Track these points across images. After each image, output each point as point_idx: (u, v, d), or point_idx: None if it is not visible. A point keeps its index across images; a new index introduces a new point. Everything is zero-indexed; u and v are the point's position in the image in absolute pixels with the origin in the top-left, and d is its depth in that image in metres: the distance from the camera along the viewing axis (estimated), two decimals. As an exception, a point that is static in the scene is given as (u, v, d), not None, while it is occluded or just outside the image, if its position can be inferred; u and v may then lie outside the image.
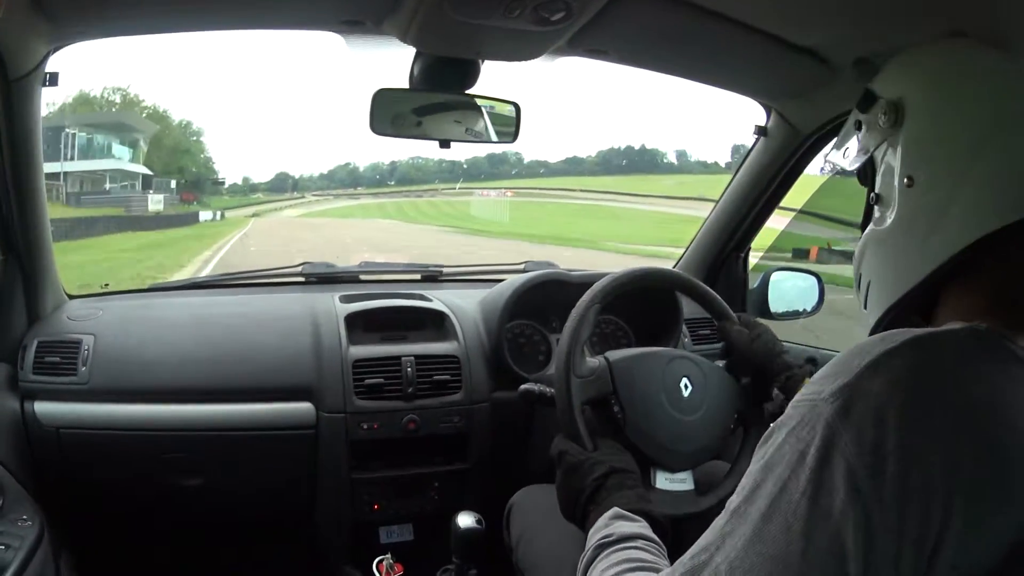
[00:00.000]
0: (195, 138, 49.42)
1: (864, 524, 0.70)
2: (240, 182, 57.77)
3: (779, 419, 0.81)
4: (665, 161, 57.75)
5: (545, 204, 50.27)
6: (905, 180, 0.95)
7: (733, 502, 0.81)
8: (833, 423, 0.73)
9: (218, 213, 41.34)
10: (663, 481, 1.44)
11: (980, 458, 0.72)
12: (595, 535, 1.13)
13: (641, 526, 1.13)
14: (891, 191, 0.98)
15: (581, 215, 44.16)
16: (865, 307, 1.04)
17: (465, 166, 62.93)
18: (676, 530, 1.22)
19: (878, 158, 1.02)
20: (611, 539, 1.09)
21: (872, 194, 1.02)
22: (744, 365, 1.60)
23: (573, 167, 61.73)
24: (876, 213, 1.01)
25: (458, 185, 59.25)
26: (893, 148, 0.98)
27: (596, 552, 1.09)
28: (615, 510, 1.16)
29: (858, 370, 0.76)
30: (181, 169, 45.29)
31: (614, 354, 1.50)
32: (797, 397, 0.80)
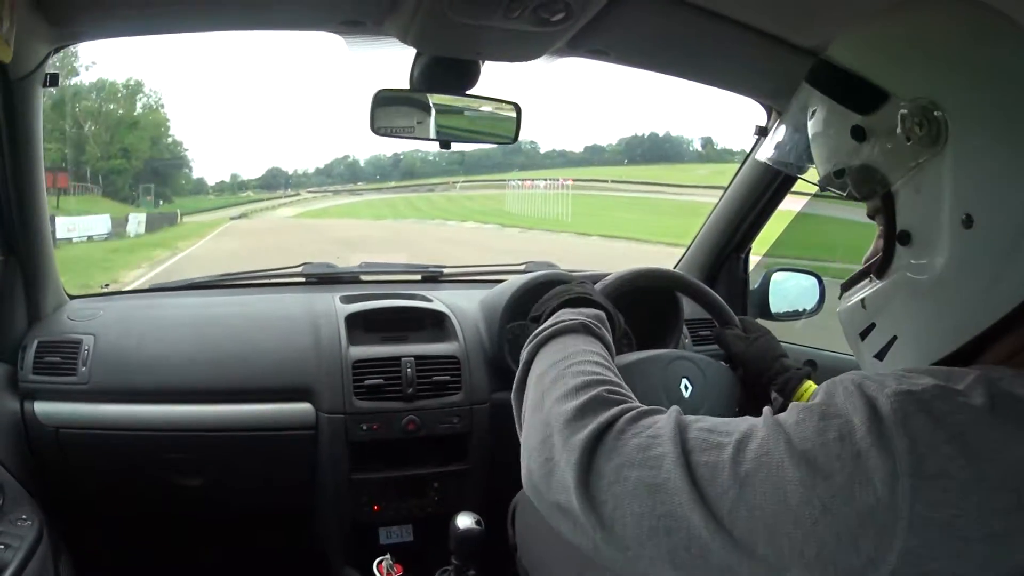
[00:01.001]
0: (150, 108, 37.15)
1: (884, 535, 0.66)
2: (228, 179, 52.12)
3: (826, 384, 0.75)
4: (691, 149, 52.58)
5: (593, 196, 41.40)
6: (963, 218, 0.76)
7: (771, 417, 0.76)
8: (890, 421, 0.67)
9: (177, 216, 32.99)
10: None
11: (1013, 512, 0.67)
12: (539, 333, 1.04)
13: (591, 315, 1.07)
14: (934, 231, 0.79)
15: (637, 208, 36.19)
16: (880, 359, 0.88)
17: (475, 157, 57.28)
18: None
19: (899, 186, 0.82)
20: (558, 327, 1.02)
21: (897, 233, 0.83)
22: (742, 367, 1.58)
23: (595, 156, 56.53)
24: (906, 257, 0.83)
25: (483, 177, 53.36)
26: (933, 174, 0.78)
27: (540, 344, 1.01)
28: (562, 308, 1.10)
29: (924, 386, 0.69)
30: (126, 153, 33.80)
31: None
32: (851, 375, 0.74)
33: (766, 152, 1.08)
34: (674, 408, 0.82)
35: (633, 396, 0.89)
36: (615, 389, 0.88)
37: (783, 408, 1.41)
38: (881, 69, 0.82)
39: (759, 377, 1.53)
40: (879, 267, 0.87)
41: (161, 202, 35.54)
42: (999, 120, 0.76)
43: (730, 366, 1.60)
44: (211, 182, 48.46)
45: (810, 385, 1.46)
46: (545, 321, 1.08)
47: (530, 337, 1.03)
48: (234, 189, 49.82)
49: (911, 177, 0.80)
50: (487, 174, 53.47)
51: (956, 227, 0.77)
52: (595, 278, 1.54)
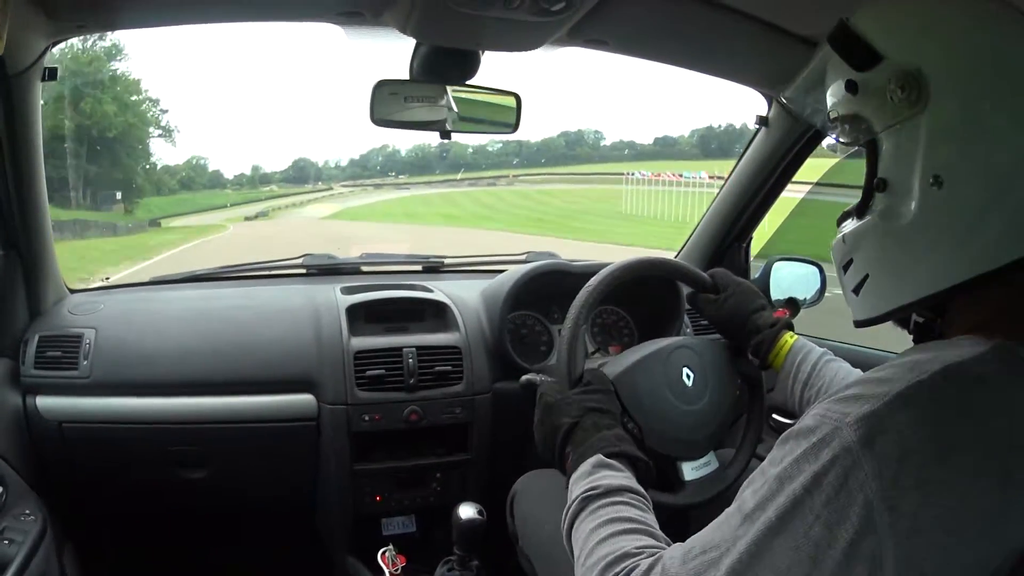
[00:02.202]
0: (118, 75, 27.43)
1: (874, 556, 0.71)
2: (248, 172, 44.97)
3: (798, 425, 0.80)
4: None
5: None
6: (930, 179, 0.84)
7: (747, 504, 0.81)
8: (855, 452, 0.73)
9: (154, 222, 26.19)
10: (690, 471, 1.43)
11: (997, 491, 0.73)
12: (579, 484, 1.10)
13: (626, 477, 1.10)
14: (907, 185, 0.86)
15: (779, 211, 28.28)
16: (856, 294, 0.96)
17: (535, 148, 50.22)
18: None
19: (884, 137, 0.90)
20: (597, 491, 1.06)
21: (876, 179, 0.91)
22: (721, 333, 1.60)
23: (667, 149, 49.15)
24: (881, 203, 0.91)
25: (548, 170, 46.89)
26: (910, 132, 0.86)
27: (582, 504, 1.06)
28: (598, 457, 1.13)
29: (886, 399, 0.75)
30: (93, 146, 24.92)
31: (613, 367, 1.47)
32: (820, 409, 0.79)
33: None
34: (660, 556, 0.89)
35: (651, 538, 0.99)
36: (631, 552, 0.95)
37: (764, 368, 1.48)
38: (881, 35, 0.89)
39: (736, 339, 1.55)
40: (859, 208, 0.95)
41: (123, 202, 27.17)
42: (977, 97, 0.82)
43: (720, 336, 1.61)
44: (229, 175, 42.73)
45: (786, 340, 1.47)
46: (577, 466, 1.15)
47: (571, 500, 1.10)
48: (255, 183, 44.16)
49: (893, 132, 0.88)
50: (551, 168, 48.03)
51: (926, 185, 0.84)
52: (596, 268, 1.54)
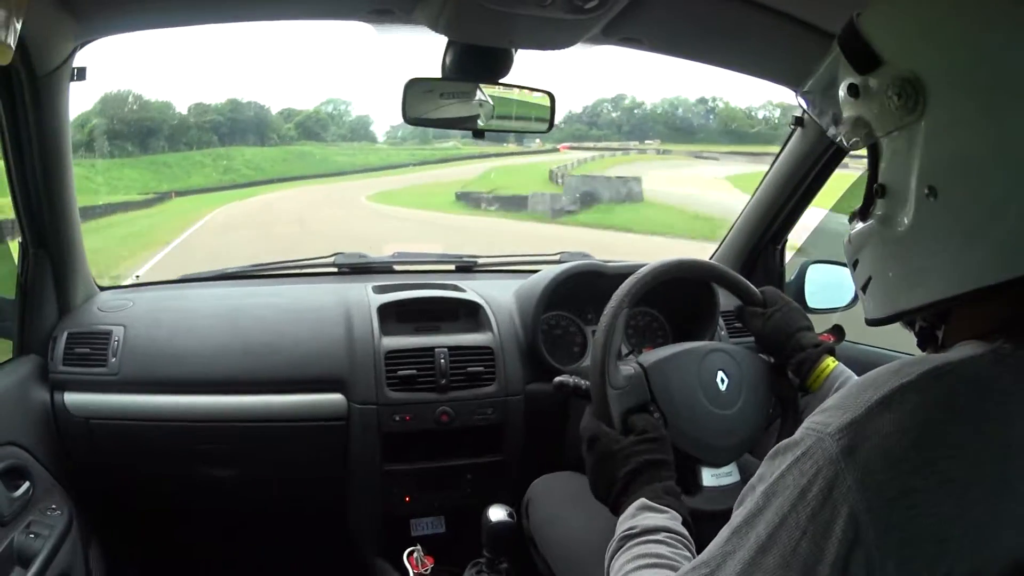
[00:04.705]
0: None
1: (868, 570, 0.69)
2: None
3: (787, 440, 0.78)
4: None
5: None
6: (925, 190, 0.81)
7: (736, 520, 0.80)
8: (837, 462, 0.71)
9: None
10: (709, 478, 1.41)
11: (991, 499, 0.70)
12: (622, 524, 1.12)
13: (668, 518, 1.11)
14: (904, 193, 0.84)
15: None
16: (864, 292, 0.95)
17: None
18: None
19: (884, 143, 0.88)
20: (635, 531, 1.08)
21: (875, 185, 0.89)
22: (763, 348, 1.58)
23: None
24: (880, 208, 0.89)
25: None
26: (908, 140, 0.83)
27: (620, 544, 1.08)
28: (642, 501, 1.14)
29: (868, 405, 0.72)
30: None
31: (648, 357, 1.46)
32: (807, 422, 0.77)
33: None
34: None
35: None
36: None
37: (802, 390, 1.47)
38: (882, 37, 0.86)
39: (778, 356, 1.54)
40: (861, 211, 0.94)
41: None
42: (974, 107, 0.79)
43: (759, 349, 1.59)
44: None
45: (828, 364, 1.46)
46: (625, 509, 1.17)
47: (614, 539, 1.11)
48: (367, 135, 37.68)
49: (892, 139, 0.86)
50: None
51: (921, 195, 0.82)
52: (631, 268, 1.52)
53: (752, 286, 1.60)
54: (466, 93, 1.94)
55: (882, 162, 0.89)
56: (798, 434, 0.77)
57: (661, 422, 1.36)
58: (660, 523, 1.09)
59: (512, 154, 36.17)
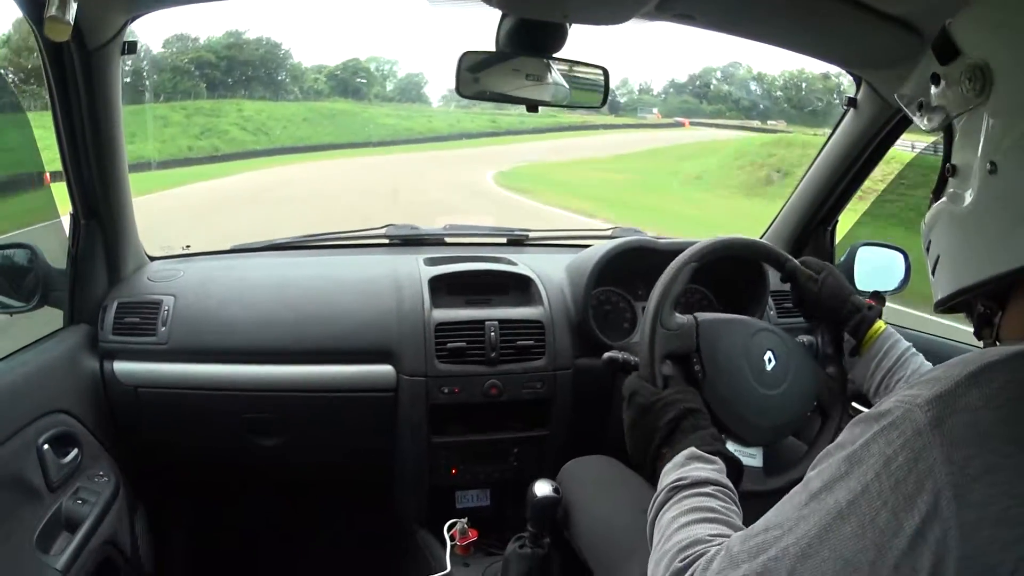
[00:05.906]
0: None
1: (938, 547, 0.68)
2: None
3: (873, 408, 0.79)
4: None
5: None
6: (988, 165, 0.87)
7: (813, 484, 0.80)
8: (925, 434, 0.71)
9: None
10: (733, 454, 1.40)
11: None
12: (669, 475, 1.12)
13: (715, 470, 1.11)
14: (970, 170, 0.90)
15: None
16: (933, 275, 0.99)
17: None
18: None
19: (957, 125, 0.94)
20: (684, 482, 1.08)
21: (948, 164, 0.95)
22: (814, 312, 1.57)
23: None
24: (951, 187, 0.94)
25: None
26: (975, 121, 0.90)
27: (669, 495, 1.08)
28: (691, 450, 1.14)
29: (957, 379, 0.73)
30: None
31: (703, 315, 1.45)
32: (896, 395, 0.77)
33: None
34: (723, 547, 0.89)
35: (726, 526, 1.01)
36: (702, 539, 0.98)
37: (855, 351, 1.49)
38: (962, 31, 0.93)
39: (834, 318, 1.55)
40: (935, 191, 0.99)
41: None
42: None
43: (802, 311, 1.59)
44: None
45: (880, 325, 1.50)
46: (670, 459, 1.17)
47: (660, 489, 1.11)
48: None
49: (963, 121, 0.93)
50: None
51: (984, 172, 0.87)
52: (683, 246, 1.50)
53: (788, 256, 1.61)
54: (522, 66, 1.91)
55: (954, 144, 0.94)
56: (887, 404, 0.77)
57: (701, 375, 1.37)
58: (709, 475, 1.09)
59: (625, 126, 35.00)
